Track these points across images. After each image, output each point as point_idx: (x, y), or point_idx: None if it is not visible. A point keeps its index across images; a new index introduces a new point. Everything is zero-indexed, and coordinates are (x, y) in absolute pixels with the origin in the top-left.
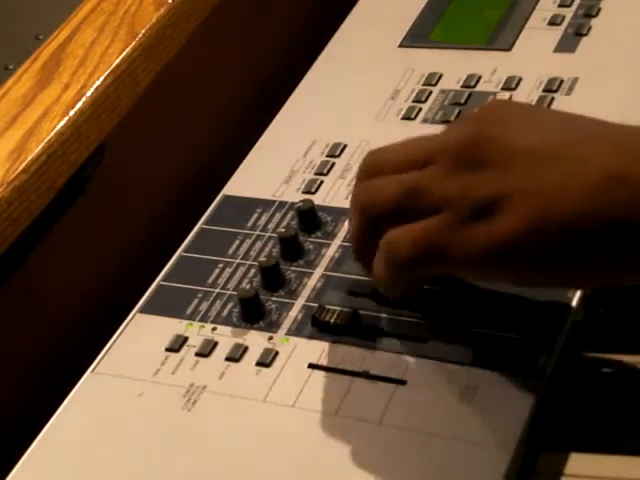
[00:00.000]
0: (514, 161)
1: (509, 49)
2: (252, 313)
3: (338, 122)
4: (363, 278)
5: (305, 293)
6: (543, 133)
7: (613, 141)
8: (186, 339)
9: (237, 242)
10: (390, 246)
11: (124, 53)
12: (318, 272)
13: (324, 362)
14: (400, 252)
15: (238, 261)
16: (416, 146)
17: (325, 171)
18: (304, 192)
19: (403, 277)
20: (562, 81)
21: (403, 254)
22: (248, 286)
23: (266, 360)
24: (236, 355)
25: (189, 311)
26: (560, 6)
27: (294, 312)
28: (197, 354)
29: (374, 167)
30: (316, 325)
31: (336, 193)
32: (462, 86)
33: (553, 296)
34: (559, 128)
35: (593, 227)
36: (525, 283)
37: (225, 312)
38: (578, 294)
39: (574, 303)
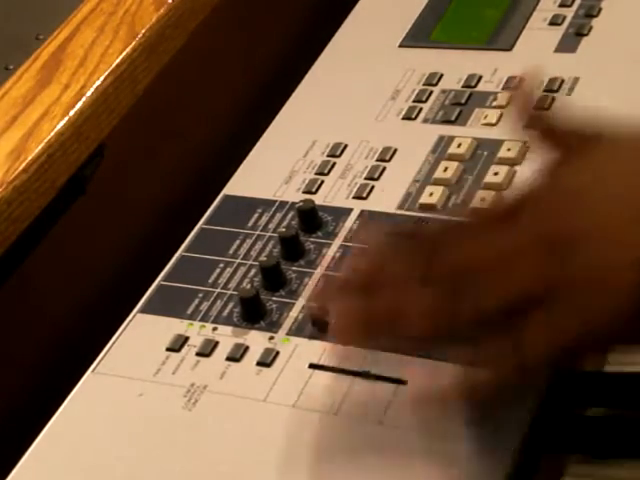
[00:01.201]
0: (616, 230)
1: (510, 49)
2: (253, 313)
3: (338, 122)
4: None
5: (306, 293)
6: (617, 217)
7: None
8: (187, 339)
9: (238, 242)
10: (516, 344)
11: (124, 53)
12: (319, 272)
13: (325, 362)
14: (528, 350)
15: (239, 261)
16: (496, 241)
17: (326, 171)
18: (305, 192)
19: (526, 374)
20: (563, 81)
21: (533, 350)
22: (249, 286)
23: (267, 360)
24: (237, 355)
25: (190, 311)
26: (561, 6)
27: (295, 312)
28: (198, 354)
29: (463, 277)
30: (317, 325)
31: (337, 193)
32: (463, 86)
33: None
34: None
35: None
36: None
37: (226, 312)
38: None
39: None
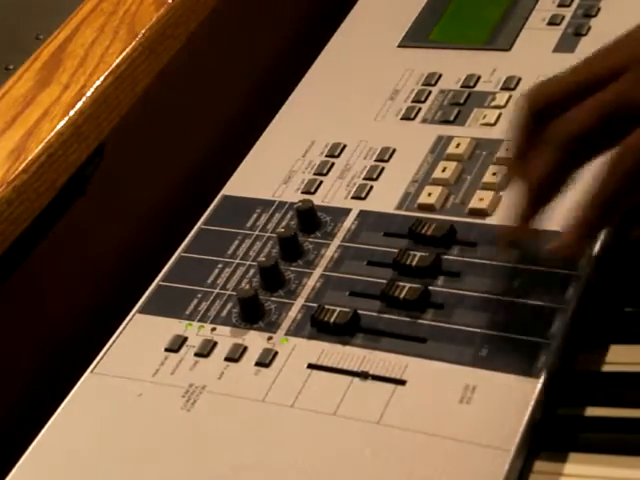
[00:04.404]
0: None
1: (508, 49)
2: (251, 313)
3: (337, 122)
4: (362, 278)
5: (304, 293)
6: None
7: None
8: (185, 339)
9: (236, 242)
10: (620, 154)
11: (124, 53)
12: (317, 272)
13: (323, 362)
14: (631, 157)
15: (237, 261)
16: (596, 63)
17: (324, 171)
18: (303, 192)
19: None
20: None
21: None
22: (247, 286)
23: (265, 360)
24: (235, 355)
25: (188, 311)
26: (559, 6)
27: (293, 312)
28: (196, 354)
29: (556, 100)
30: (315, 325)
31: (335, 193)
32: (461, 86)
33: (553, 295)
34: None
35: None
36: None
37: (224, 312)
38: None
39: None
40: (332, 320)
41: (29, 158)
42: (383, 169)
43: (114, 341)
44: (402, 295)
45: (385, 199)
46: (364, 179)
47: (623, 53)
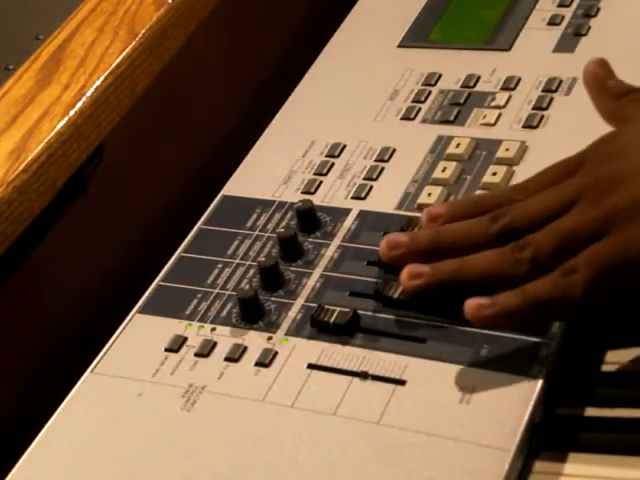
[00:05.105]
0: None
1: (508, 49)
2: (251, 313)
3: (337, 122)
4: (362, 278)
5: (304, 293)
6: None
7: None
8: (185, 339)
9: (236, 242)
10: (567, 269)
11: (124, 53)
12: (317, 272)
13: (323, 362)
14: (579, 275)
15: (237, 261)
16: (546, 195)
17: (324, 171)
18: (303, 192)
19: (573, 303)
20: (561, 81)
21: (582, 277)
22: (247, 286)
23: (265, 360)
24: (235, 355)
25: (188, 311)
26: (559, 6)
27: (293, 312)
28: (196, 354)
29: (519, 225)
30: (315, 325)
31: (335, 193)
32: (461, 86)
33: None
34: None
35: None
36: None
37: (224, 312)
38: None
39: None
40: (332, 320)
41: (29, 158)
42: (383, 169)
43: (114, 341)
44: (396, 295)
45: (385, 199)
46: (364, 179)
47: (568, 189)
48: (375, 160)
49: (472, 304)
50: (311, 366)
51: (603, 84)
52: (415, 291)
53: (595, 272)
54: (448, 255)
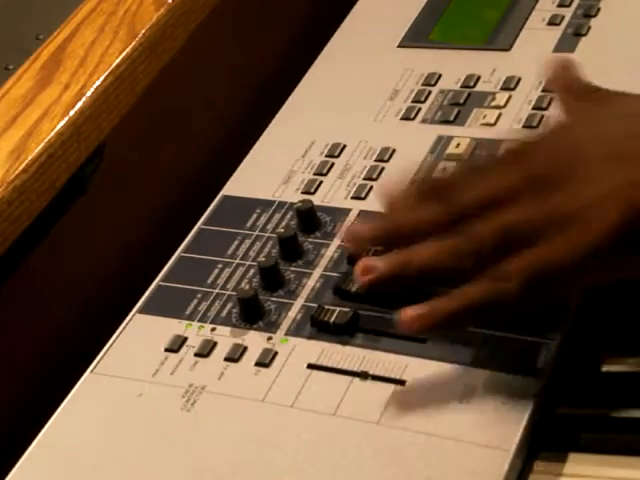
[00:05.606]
0: (592, 167)
1: (508, 49)
2: (251, 313)
3: (337, 122)
4: None
5: (304, 293)
6: (613, 135)
7: None
8: (185, 339)
9: (236, 242)
10: (500, 275)
11: (124, 53)
12: (317, 272)
13: (323, 362)
14: (513, 281)
15: (237, 261)
16: (494, 182)
17: (324, 171)
18: (303, 192)
19: (507, 307)
20: None
21: (516, 282)
22: (247, 286)
23: (265, 360)
24: (235, 355)
25: (188, 311)
26: (559, 6)
27: (293, 312)
28: (196, 354)
29: (461, 209)
30: (315, 325)
31: (335, 193)
32: (461, 86)
33: None
34: (620, 125)
35: None
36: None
37: (224, 312)
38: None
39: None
40: (332, 320)
41: (29, 158)
42: (383, 169)
43: (114, 341)
44: (353, 289)
45: None
46: (364, 179)
47: (513, 177)
48: (375, 160)
49: (406, 316)
50: (311, 366)
51: (570, 85)
52: (370, 286)
53: (527, 280)
54: (404, 245)
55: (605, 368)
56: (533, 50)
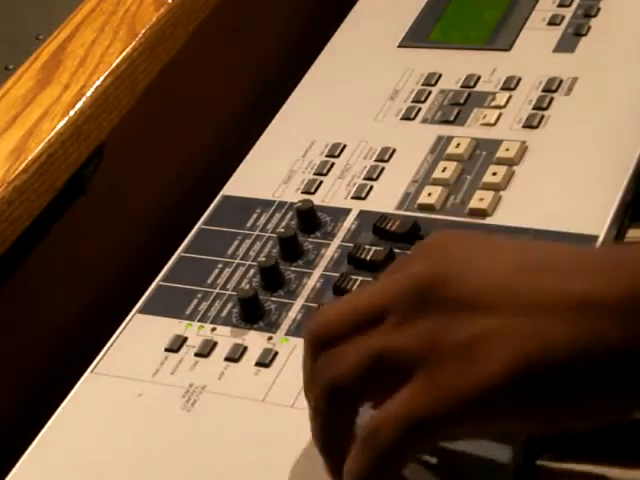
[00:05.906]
0: (480, 299)
1: (508, 49)
2: (251, 313)
3: (337, 122)
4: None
5: (304, 293)
6: (502, 264)
7: (574, 265)
8: (185, 339)
9: (236, 242)
10: (371, 433)
11: (124, 53)
12: (317, 272)
13: None
14: (383, 438)
15: (237, 261)
16: (365, 299)
17: (324, 171)
18: (303, 192)
19: (388, 466)
20: (561, 81)
21: (387, 439)
22: (247, 286)
23: (265, 360)
24: (235, 355)
25: (188, 311)
26: (559, 6)
27: (293, 312)
28: (196, 354)
29: (325, 336)
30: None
31: (335, 193)
32: (461, 86)
33: None
34: (515, 257)
35: (587, 358)
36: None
37: (224, 312)
38: None
39: None
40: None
41: (29, 158)
42: (383, 169)
43: (114, 341)
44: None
45: (385, 199)
46: (364, 179)
47: (383, 291)
48: (375, 160)
49: None
50: None
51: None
52: None
53: (401, 432)
54: None
55: None
56: (533, 50)
